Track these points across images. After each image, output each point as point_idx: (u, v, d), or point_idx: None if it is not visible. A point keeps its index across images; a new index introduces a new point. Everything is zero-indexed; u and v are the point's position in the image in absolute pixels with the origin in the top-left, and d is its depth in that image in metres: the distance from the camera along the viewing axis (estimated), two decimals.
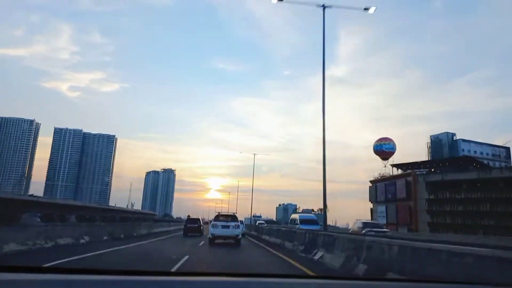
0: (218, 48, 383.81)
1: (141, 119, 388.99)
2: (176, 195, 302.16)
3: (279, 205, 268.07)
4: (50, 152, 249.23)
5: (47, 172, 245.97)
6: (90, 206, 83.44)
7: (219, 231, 18.52)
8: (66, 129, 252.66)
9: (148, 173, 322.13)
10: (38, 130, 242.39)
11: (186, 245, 18.25)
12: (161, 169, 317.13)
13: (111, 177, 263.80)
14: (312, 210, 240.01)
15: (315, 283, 1.48)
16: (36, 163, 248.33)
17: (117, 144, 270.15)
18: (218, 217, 19.82)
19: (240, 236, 19.00)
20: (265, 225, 36.21)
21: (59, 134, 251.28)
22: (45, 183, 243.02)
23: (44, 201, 59.60)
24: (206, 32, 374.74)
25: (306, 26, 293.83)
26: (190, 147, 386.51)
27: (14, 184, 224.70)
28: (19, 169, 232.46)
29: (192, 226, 28.22)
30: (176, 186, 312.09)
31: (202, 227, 29.66)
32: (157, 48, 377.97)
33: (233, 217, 19.57)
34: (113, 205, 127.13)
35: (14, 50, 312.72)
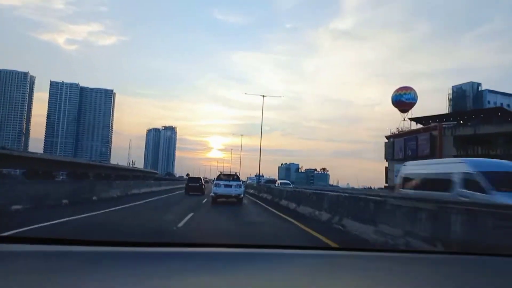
0: None
1: (140, 74, 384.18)
2: (178, 153, 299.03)
3: (281, 164, 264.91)
4: (47, 107, 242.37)
5: (46, 129, 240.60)
6: (79, 163, 78.20)
7: (221, 190, 18.80)
8: (63, 83, 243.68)
9: (149, 131, 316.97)
10: (33, 84, 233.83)
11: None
12: (162, 127, 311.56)
13: (111, 133, 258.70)
14: (315, 169, 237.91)
15: (319, 254, 1.46)
16: (34, 119, 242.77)
17: (115, 99, 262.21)
18: (221, 176, 20.31)
19: (242, 195, 19.22)
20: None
21: (56, 88, 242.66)
22: (44, 140, 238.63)
23: (18, 155, 54.21)
24: None
25: None
26: (190, 104, 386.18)
27: (13, 140, 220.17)
28: (16, 125, 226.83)
29: (194, 185, 27.90)
30: (178, 145, 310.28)
31: (203, 186, 28.88)
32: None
33: (235, 177, 20.34)
34: (116, 163, 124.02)
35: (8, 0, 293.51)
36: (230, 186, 18.95)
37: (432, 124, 48.66)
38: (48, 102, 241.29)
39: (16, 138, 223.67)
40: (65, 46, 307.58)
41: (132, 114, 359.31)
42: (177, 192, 30.53)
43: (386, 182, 57.96)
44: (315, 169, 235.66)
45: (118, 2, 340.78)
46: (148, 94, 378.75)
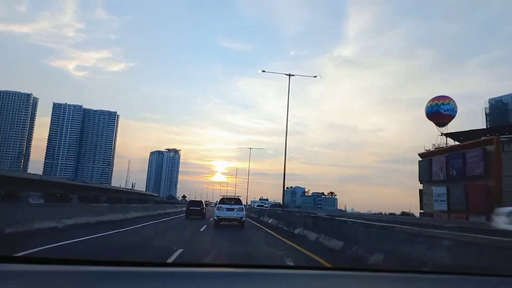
0: (223, 26, 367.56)
1: (146, 100, 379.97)
2: (181, 177, 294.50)
3: (287, 188, 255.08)
4: (49, 129, 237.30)
5: (46, 150, 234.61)
6: (54, 182, 69.28)
7: (224, 214, 19.51)
8: (66, 105, 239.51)
9: (152, 153, 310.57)
10: (35, 105, 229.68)
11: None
12: (166, 149, 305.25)
13: (113, 156, 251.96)
14: (323, 193, 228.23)
15: (319, 275, 1.48)
16: (35, 143, 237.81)
17: (119, 122, 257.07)
18: (223, 200, 21.25)
19: (244, 219, 19.83)
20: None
21: (58, 110, 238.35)
22: (44, 161, 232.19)
23: None
24: (212, 10, 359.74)
25: (313, 3, 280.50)
26: (195, 129, 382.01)
27: (12, 162, 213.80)
28: (16, 146, 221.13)
29: (194, 209, 27.14)
30: (182, 168, 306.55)
31: (204, 210, 27.93)
32: (162, 26, 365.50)
33: (237, 200, 21.13)
34: (117, 185, 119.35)
35: (18, 27, 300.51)
36: (232, 209, 19.60)
37: (483, 138, 40.29)
38: (50, 123, 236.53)
39: (16, 160, 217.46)
40: (74, 72, 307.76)
41: (137, 138, 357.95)
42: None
43: (421, 208, 49.51)
44: (322, 193, 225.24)
45: (126, 29, 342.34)
46: (154, 118, 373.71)
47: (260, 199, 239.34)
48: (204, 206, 28.89)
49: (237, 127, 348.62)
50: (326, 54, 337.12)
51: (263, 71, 30.85)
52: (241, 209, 19.60)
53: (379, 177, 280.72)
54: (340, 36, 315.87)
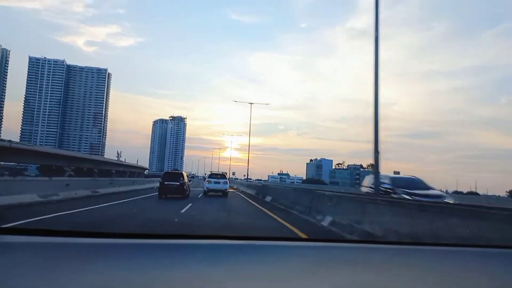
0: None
1: (156, 75, 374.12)
2: (190, 152, 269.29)
3: (310, 160, 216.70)
4: (25, 89, 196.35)
5: (23, 114, 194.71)
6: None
7: (212, 186, 23.30)
8: (45, 59, 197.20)
9: (155, 122, 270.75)
10: (6, 58, 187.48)
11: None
12: (170, 117, 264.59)
13: (105, 122, 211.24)
14: (361, 166, 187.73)
15: (310, 246, 1.50)
16: (10, 106, 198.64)
17: (111, 81, 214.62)
18: (211, 175, 25.38)
19: (227, 190, 23.89)
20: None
21: (36, 66, 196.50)
22: (21, 128, 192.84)
23: None
24: None
25: None
26: (206, 104, 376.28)
27: None
28: None
29: (171, 185, 18.85)
30: (193, 144, 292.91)
31: (186, 186, 19.55)
32: (171, 1, 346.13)
33: (222, 175, 25.20)
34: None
35: (30, 3, 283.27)
36: (219, 182, 23.50)
37: None
38: (26, 81, 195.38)
39: None
40: (84, 48, 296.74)
41: (148, 113, 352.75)
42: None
43: None
44: (361, 165, 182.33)
45: (135, 4, 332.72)
46: (164, 94, 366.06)
47: (278, 174, 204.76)
48: (186, 180, 20.25)
49: (247, 101, 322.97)
50: (338, 26, 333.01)
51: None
52: (226, 182, 23.90)
53: (392, 151, 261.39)
54: (352, 7, 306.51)
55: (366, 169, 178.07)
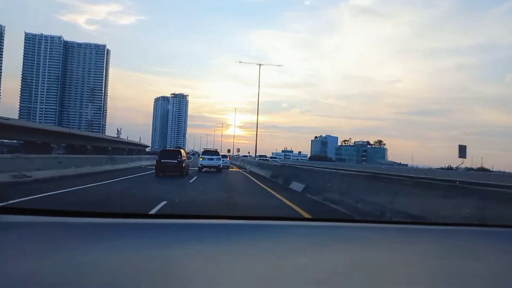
0: None
1: (157, 54, 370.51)
2: (193, 130, 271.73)
3: (315, 137, 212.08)
4: (22, 66, 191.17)
5: (21, 91, 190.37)
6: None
7: (206, 162, 24.23)
8: (41, 36, 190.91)
9: (157, 99, 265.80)
10: (1, 34, 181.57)
11: None
12: (171, 94, 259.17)
13: (105, 99, 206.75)
14: (368, 142, 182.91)
15: (312, 226, 1.50)
16: (7, 84, 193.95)
17: (109, 58, 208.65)
18: (205, 152, 25.72)
19: (221, 166, 24.69)
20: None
21: (33, 43, 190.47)
22: (19, 105, 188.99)
23: None
24: None
25: None
26: (208, 83, 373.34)
27: None
28: None
29: (168, 163, 18.06)
30: (196, 122, 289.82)
31: (184, 165, 18.81)
32: None
33: (215, 152, 25.78)
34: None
35: None
36: (212, 159, 24.36)
37: None
38: (23, 59, 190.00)
39: None
40: (85, 26, 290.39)
41: (149, 91, 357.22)
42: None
43: None
44: (368, 142, 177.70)
45: None
46: (165, 72, 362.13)
47: (282, 151, 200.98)
48: (185, 157, 19.56)
49: (249, 80, 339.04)
50: (342, 3, 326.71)
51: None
52: (219, 159, 24.69)
53: (395, 129, 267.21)
54: None
55: (373, 146, 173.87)
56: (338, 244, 1.21)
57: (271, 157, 60.08)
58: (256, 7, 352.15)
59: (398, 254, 1.14)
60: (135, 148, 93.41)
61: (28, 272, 0.81)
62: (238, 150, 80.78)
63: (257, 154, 46.54)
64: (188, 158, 24.80)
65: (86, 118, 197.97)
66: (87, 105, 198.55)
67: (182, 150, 20.44)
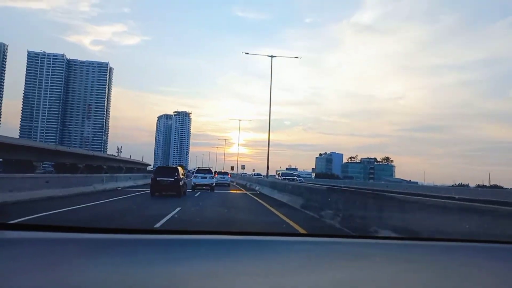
0: None
1: (161, 73, 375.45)
2: (199, 148, 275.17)
3: (320, 154, 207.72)
4: (24, 84, 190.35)
5: (22, 110, 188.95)
6: None
7: (199, 181, 24.21)
8: (44, 54, 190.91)
9: (159, 118, 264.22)
10: (4, 53, 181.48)
11: None
12: (174, 112, 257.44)
13: (107, 118, 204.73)
14: (375, 159, 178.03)
15: (310, 241, 1.51)
16: (8, 104, 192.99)
17: (112, 76, 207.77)
18: (199, 170, 25.91)
19: (214, 184, 24.48)
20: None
21: (35, 61, 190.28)
22: (20, 124, 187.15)
23: None
24: None
25: None
26: (212, 101, 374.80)
27: None
28: None
29: (164, 181, 17.13)
30: (199, 140, 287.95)
31: (181, 183, 17.63)
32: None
33: (209, 171, 25.99)
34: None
35: (36, 3, 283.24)
36: (205, 177, 24.34)
37: None
38: (25, 76, 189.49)
39: None
40: (90, 47, 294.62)
41: (153, 111, 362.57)
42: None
43: None
44: (375, 159, 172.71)
45: (140, 3, 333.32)
46: (169, 91, 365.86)
47: (287, 169, 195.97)
48: (183, 175, 18.72)
49: (253, 98, 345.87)
50: (343, 21, 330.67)
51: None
52: (212, 177, 24.74)
53: (398, 145, 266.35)
54: (358, 1, 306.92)
55: (381, 163, 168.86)
56: (335, 260, 1.21)
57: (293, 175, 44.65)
58: (258, 25, 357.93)
59: (396, 270, 1.14)
60: (134, 167, 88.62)
61: None
62: (243, 167, 77.16)
63: (288, 172, 41.77)
64: (187, 176, 23.06)
65: (87, 136, 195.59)
66: (89, 123, 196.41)
67: (179, 168, 19.09)
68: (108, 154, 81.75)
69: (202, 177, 24.15)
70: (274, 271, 1.03)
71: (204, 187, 23.62)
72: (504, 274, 1.13)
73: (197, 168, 28.22)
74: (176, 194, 16.90)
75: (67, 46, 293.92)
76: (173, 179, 17.13)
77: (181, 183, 17.45)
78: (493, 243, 1.60)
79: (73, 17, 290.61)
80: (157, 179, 17.24)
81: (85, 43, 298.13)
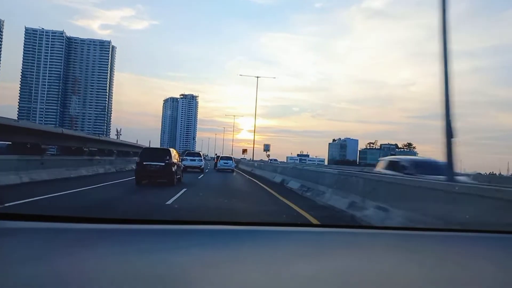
0: None
1: (169, 58, 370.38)
2: (206, 134, 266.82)
3: (333, 140, 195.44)
4: (21, 64, 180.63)
5: (20, 91, 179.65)
6: None
7: (188, 163, 25.77)
8: (43, 30, 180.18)
9: (165, 101, 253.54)
10: (0, 29, 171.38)
11: None
12: (180, 95, 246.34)
13: (109, 99, 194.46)
14: (396, 145, 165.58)
15: (312, 231, 1.52)
16: (4, 82, 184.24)
17: (115, 55, 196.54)
18: (187, 153, 29.17)
19: (202, 166, 27.30)
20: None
21: (33, 38, 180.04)
22: (18, 105, 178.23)
23: None
24: None
25: None
26: (219, 87, 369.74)
27: None
28: None
29: (152, 166, 14.58)
30: (206, 126, 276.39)
31: (173, 169, 15.12)
32: None
33: (198, 154, 29.25)
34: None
35: None
36: (194, 160, 26.99)
37: None
38: (23, 56, 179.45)
39: None
40: (99, 31, 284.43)
41: (160, 96, 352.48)
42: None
43: None
44: (396, 145, 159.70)
45: None
46: (176, 76, 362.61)
47: (298, 155, 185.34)
48: (176, 161, 15.94)
49: (260, 83, 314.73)
50: (353, 6, 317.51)
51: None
52: (200, 160, 27.46)
53: (409, 133, 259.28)
54: None
55: (402, 149, 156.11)
56: (341, 251, 1.21)
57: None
58: (266, 10, 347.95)
59: (398, 259, 1.13)
60: (131, 151, 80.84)
61: (28, 278, 0.80)
62: (245, 151, 68.51)
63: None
64: (182, 159, 21.62)
65: (89, 119, 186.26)
66: (91, 105, 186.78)
67: (172, 150, 16.02)
68: (98, 137, 75.38)
69: (191, 159, 26.90)
70: (277, 261, 1.02)
71: (194, 169, 25.99)
72: (503, 263, 1.14)
73: (186, 152, 31.05)
74: (167, 181, 14.55)
75: (75, 30, 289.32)
76: (163, 164, 14.64)
77: (173, 168, 14.89)
78: (494, 233, 1.60)
79: (81, 1, 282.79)
80: (144, 163, 14.66)
81: (93, 27, 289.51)
